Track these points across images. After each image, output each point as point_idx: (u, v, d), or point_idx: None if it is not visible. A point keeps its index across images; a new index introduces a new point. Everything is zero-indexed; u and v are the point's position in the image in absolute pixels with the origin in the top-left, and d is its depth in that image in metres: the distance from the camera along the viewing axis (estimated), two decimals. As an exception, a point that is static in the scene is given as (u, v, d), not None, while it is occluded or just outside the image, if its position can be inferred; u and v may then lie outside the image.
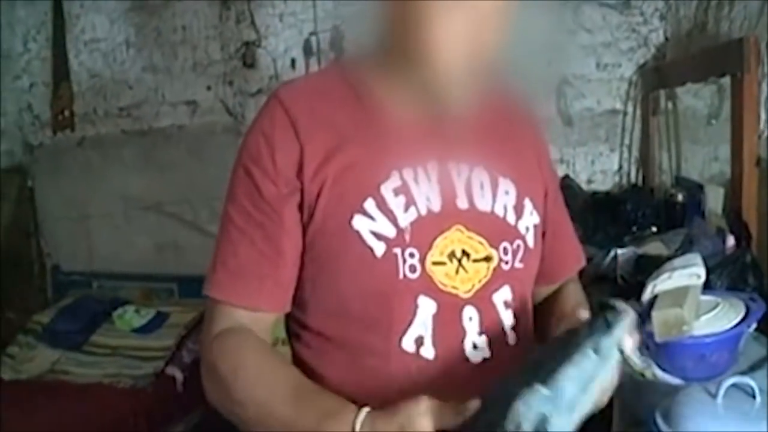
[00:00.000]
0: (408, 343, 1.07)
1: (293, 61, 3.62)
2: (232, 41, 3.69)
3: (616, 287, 2.31)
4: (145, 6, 3.75)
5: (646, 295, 1.87)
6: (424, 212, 1.10)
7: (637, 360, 1.83)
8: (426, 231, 1.09)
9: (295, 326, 1.20)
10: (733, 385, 1.37)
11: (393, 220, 1.08)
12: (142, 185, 3.74)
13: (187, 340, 3.15)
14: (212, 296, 1.14)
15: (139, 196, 3.75)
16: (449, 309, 1.09)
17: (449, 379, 1.06)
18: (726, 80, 2.43)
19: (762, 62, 2.27)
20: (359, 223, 1.08)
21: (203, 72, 3.75)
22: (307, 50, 3.56)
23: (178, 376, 3.00)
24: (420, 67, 1.06)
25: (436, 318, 1.08)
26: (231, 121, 3.71)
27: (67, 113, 3.87)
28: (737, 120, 2.31)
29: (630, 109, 3.44)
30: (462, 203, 1.13)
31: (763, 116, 2.29)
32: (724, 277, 2.07)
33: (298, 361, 1.17)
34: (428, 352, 1.08)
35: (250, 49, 3.66)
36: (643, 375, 1.81)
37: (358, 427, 0.93)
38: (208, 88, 3.75)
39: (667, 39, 3.35)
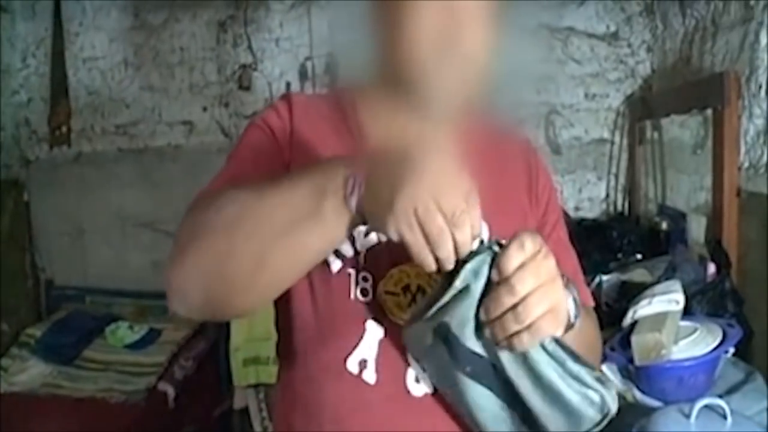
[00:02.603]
0: (352, 365, 1.07)
1: (288, 85, 3.67)
2: (228, 64, 3.75)
3: (600, 313, 2.37)
4: (144, 26, 3.80)
5: (627, 321, 1.93)
6: (384, 239, 1.08)
7: (618, 382, 1.90)
8: (382, 259, 1.09)
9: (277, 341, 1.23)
10: (706, 406, 1.42)
11: (352, 241, 1.10)
12: (137, 203, 3.79)
13: (180, 356, 3.17)
14: (209, 188, 1.08)
15: (134, 214, 3.78)
16: (396, 338, 1.05)
17: (388, 409, 1.06)
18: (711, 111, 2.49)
19: (742, 96, 2.34)
20: None
21: (199, 93, 3.80)
22: (303, 74, 3.62)
23: (170, 392, 3.02)
24: (400, 100, 1.08)
25: (382, 344, 1.07)
26: (226, 142, 3.75)
27: (64, 129, 3.89)
28: (718, 152, 2.37)
29: (617, 138, 3.51)
30: None
31: (743, 148, 2.35)
32: (704, 303, 2.13)
33: (281, 377, 1.20)
34: (370, 376, 1.07)
35: (246, 72, 3.71)
36: (624, 397, 1.87)
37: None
38: (204, 109, 3.80)
39: (653, 71, 3.42)
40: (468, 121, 1.13)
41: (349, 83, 1.29)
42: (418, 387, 1.07)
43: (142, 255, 3.78)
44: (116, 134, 3.90)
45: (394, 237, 0.83)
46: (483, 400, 0.95)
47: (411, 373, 1.07)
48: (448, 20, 1.04)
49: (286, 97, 1.20)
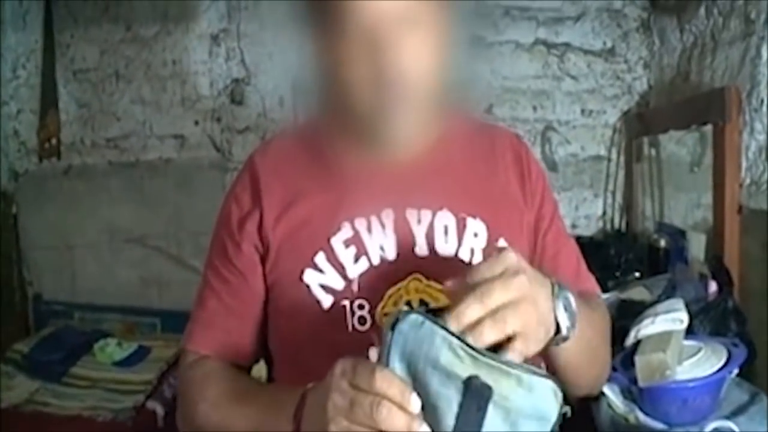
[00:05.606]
0: None
1: (281, 100, 3.63)
2: (221, 78, 3.71)
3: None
4: (136, 39, 3.76)
5: (630, 340, 1.89)
6: (376, 262, 1.09)
7: (620, 404, 1.85)
8: (377, 281, 1.07)
9: (269, 376, 1.24)
10: (715, 430, 1.38)
11: (342, 272, 1.08)
12: (127, 217, 3.73)
13: (169, 375, 3.10)
14: (184, 347, 1.19)
15: (124, 228, 3.72)
16: None
17: None
18: (708, 128, 2.47)
19: (743, 111, 2.33)
20: (309, 277, 1.09)
21: (191, 107, 3.75)
22: (296, 89, 3.59)
23: (159, 410, 2.95)
24: (362, 114, 1.07)
25: None
26: (218, 156, 3.71)
27: (53, 142, 3.84)
28: (719, 168, 2.35)
29: (614, 155, 3.48)
30: (421, 250, 1.11)
31: (744, 164, 2.33)
32: (706, 322, 2.09)
33: None
34: None
35: (238, 86, 3.68)
36: (626, 419, 1.82)
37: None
38: (196, 123, 3.75)
39: (650, 87, 3.41)
40: (429, 129, 1.13)
41: (310, 116, 1.29)
42: None
43: (132, 270, 3.73)
44: (107, 147, 3.84)
45: None
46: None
47: None
48: (373, 50, 1.02)
49: (249, 163, 1.21)
